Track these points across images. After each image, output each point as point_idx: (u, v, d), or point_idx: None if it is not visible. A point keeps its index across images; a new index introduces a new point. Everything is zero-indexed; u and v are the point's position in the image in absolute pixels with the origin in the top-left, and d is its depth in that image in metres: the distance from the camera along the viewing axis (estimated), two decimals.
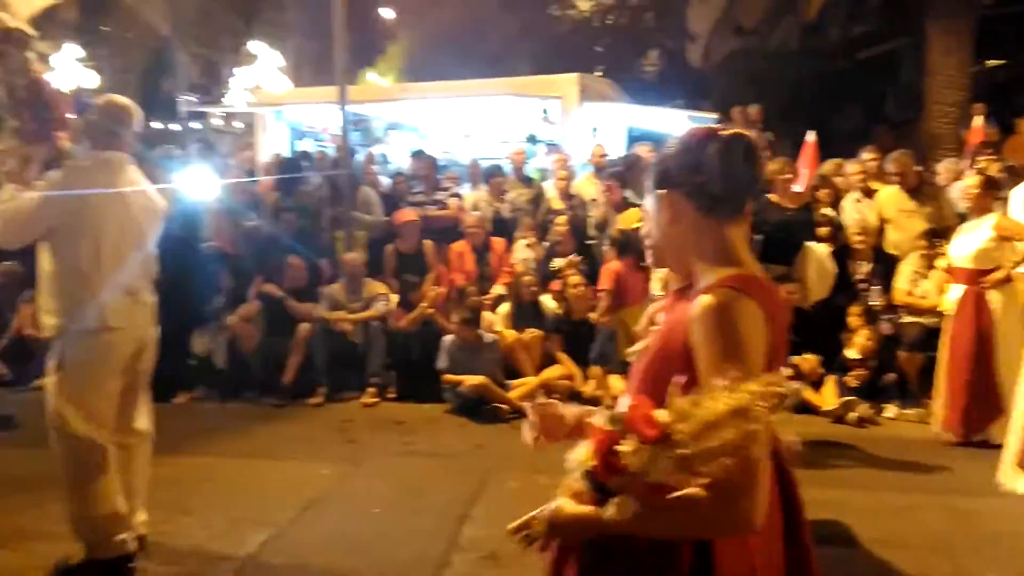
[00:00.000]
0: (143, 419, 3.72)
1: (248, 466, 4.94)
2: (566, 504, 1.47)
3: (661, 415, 1.30)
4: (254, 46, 16.72)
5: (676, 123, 9.32)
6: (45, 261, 3.48)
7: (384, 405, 6.29)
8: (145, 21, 16.31)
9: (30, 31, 3.73)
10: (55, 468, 3.53)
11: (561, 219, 7.21)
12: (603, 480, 1.37)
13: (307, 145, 10.96)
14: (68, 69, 13.71)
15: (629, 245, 5.78)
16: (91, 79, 14.56)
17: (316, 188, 8.17)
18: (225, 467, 4.91)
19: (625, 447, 1.30)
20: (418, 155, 8.61)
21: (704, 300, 1.41)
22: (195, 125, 16.91)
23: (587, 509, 1.43)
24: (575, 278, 6.57)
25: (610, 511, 1.38)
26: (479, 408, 5.93)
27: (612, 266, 6.33)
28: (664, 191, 1.56)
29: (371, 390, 6.32)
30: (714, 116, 9.61)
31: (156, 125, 16.64)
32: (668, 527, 1.38)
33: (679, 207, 1.54)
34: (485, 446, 5.37)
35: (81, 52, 14.76)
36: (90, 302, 3.39)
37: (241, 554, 3.76)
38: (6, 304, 6.89)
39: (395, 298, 6.85)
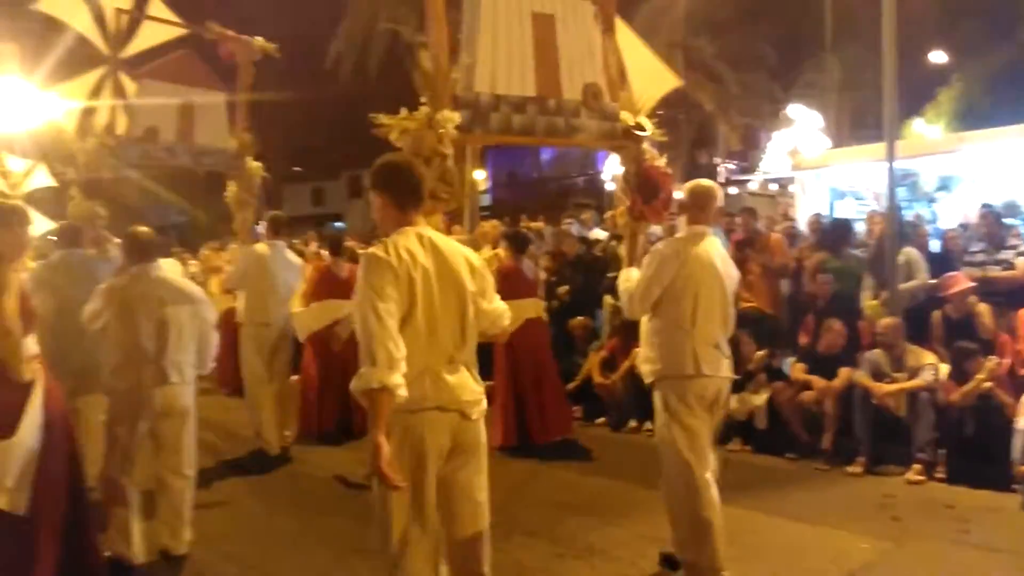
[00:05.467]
0: (714, 460, 4.13)
1: (785, 526, 5.00)
2: None
3: None
4: (792, 109, 16.96)
5: None
6: (646, 319, 4.10)
7: (931, 485, 5.73)
8: (694, 101, 17.89)
9: (646, 125, 4.44)
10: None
11: None
12: None
13: (848, 206, 10.71)
14: None
15: None
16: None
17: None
18: (762, 522, 5.03)
19: None
20: (981, 209, 7.76)
21: None
22: (733, 191, 17.79)
23: None
24: None
25: None
26: None
27: None
28: None
29: (917, 467, 5.82)
30: None
31: None
32: None
33: None
34: None
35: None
36: (687, 353, 3.92)
37: None
38: (579, 352, 8.15)
39: (945, 368, 6.24)
